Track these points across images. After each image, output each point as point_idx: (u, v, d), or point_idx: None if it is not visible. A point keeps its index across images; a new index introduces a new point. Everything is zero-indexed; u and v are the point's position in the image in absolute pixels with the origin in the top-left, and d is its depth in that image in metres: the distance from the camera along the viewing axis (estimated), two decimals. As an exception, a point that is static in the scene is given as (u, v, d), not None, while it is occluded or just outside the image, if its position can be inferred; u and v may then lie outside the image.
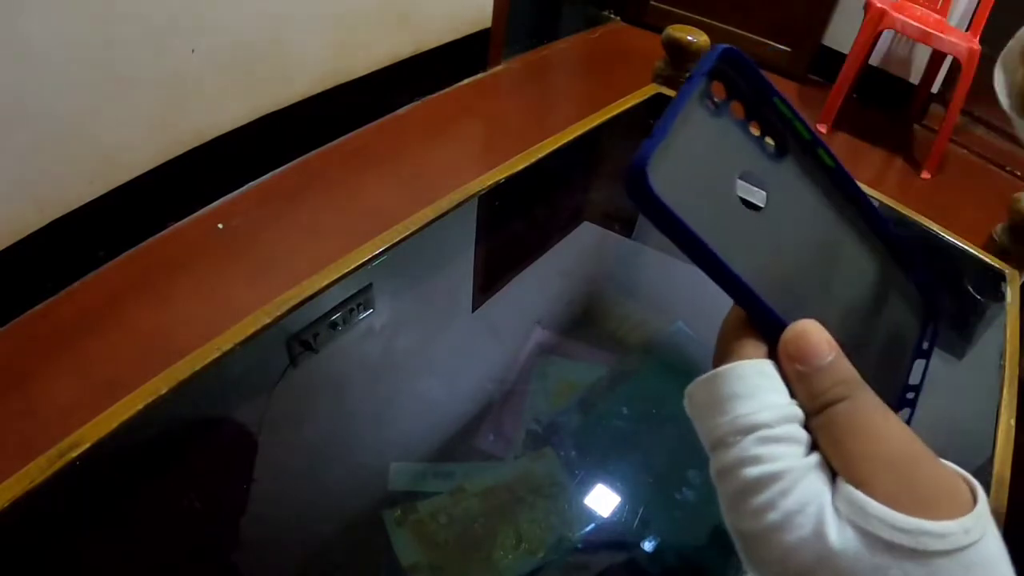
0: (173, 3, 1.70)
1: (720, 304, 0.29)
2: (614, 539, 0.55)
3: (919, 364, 0.32)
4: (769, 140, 0.29)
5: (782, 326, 0.26)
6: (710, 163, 0.26)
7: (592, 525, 0.55)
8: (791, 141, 0.29)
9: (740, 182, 0.27)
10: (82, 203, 1.71)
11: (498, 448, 0.60)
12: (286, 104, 2.13)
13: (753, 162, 0.28)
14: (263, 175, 2.17)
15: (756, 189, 0.28)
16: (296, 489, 0.56)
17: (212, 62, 1.86)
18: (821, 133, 2.98)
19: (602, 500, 0.57)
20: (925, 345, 0.33)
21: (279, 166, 2.21)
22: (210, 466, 0.58)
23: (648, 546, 0.54)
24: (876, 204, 1.02)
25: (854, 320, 0.27)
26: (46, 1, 1.45)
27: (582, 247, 0.87)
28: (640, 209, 0.24)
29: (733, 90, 0.28)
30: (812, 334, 0.26)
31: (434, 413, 0.64)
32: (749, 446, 0.28)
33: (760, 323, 0.27)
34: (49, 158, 1.60)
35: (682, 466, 0.57)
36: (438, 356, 0.71)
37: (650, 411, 0.64)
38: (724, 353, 0.30)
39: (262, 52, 1.98)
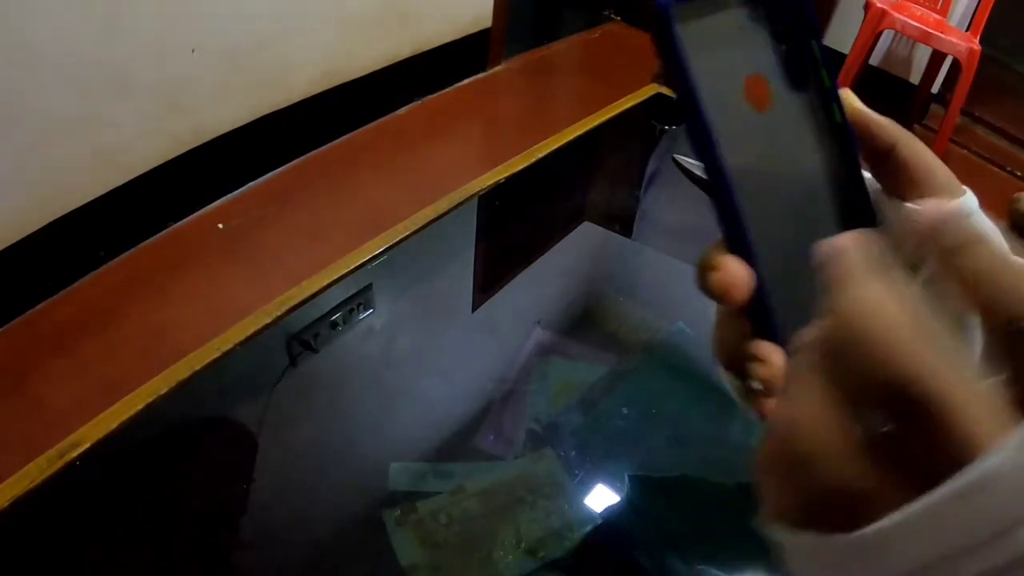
0: (173, 3, 1.70)
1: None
2: (614, 539, 0.55)
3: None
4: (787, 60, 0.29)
5: (747, 244, 0.25)
6: (731, 44, 0.26)
7: (592, 525, 0.55)
8: (810, 80, 0.29)
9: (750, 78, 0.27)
10: (82, 203, 1.71)
11: (498, 448, 0.60)
12: (286, 104, 2.13)
13: (766, 68, 0.28)
14: (263, 175, 2.17)
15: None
16: (296, 489, 0.56)
17: (212, 62, 1.86)
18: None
19: (602, 500, 0.57)
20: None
21: (279, 166, 2.21)
22: (210, 466, 0.58)
23: (648, 546, 0.54)
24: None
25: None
26: (46, 1, 1.45)
27: (582, 247, 0.87)
28: (659, 50, 0.24)
29: (773, 6, 0.28)
30: None
31: (434, 413, 0.64)
32: None
33: (730, 232, 0.25)
34: (49, 158, 1.60)
35: (682, 466, 0.57)
36: (438, 356, 0.71)
37: (650, 411, 0.64)
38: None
39: (262, 52, 1.98)
